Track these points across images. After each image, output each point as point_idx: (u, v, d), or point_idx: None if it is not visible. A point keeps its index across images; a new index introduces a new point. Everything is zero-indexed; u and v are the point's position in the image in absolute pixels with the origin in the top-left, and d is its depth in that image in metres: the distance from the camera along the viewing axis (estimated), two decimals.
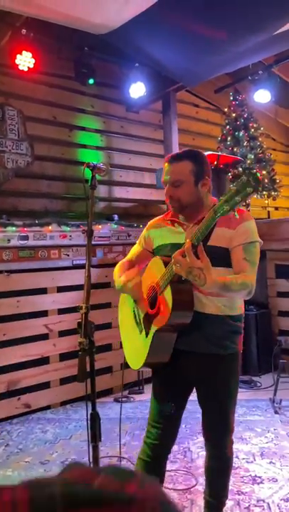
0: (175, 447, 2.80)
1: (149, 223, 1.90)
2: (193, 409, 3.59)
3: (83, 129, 4.74)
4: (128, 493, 0.29)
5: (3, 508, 0.28)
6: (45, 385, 3.59)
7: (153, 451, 1.71)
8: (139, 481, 0.31)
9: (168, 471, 2.48)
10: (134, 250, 1.95)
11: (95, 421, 1.24)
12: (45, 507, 0.28)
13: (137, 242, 1.95)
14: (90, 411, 1.28)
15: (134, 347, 1.75)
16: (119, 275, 1.81)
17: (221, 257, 1.58)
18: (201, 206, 1.67)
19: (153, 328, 1.60)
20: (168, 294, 1.52)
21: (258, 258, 1.60)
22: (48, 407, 3.60)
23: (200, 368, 1.68)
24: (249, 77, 4.81)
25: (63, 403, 3.68)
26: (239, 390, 4.22)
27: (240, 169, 1.31)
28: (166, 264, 1.56)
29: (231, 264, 1.60)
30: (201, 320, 1.57)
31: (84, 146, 4.71)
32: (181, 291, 1.53)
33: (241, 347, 1.78)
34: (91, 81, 4.33)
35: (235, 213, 1.31)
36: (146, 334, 1.67)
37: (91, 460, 1.26)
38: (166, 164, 1.66)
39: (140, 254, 1.92)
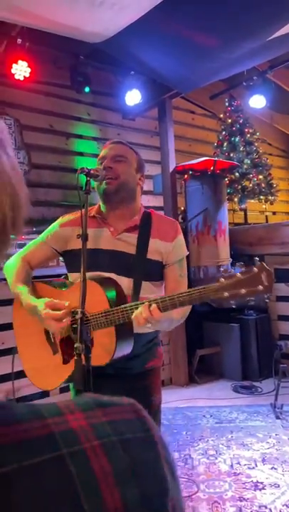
0: (176, 454, 2.78)
1: (63, 219, 1.60)
2: (192, 415, 3.57)
3: (80, 137, 4.76)
4: (126, 402, 0.41)
5: (63, 408, 0.38)
6: (45, 394, 3.56)
7: None
8: (128, 399, 0.42)
9: None
10: (33, 247, 1.63)
11: None
12: (85, 407, 0.38)
13: (41, 237, 1.63)
14: None
15: (43, 366, 1.50)
16: (24, 289, 1.52)
17: (157, 272, 1.48)
18: (134, 202, 1.54)
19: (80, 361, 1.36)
20: (110, 336, 1.33)
21: (185, 270, 1.56)
22: None
23: (127, 389, 1.49)
24: (244, 83, 4.84)
25: None
26: (240, 395, 4.22)
27: (256, 261, 1.15)
28: (103, 284, 1.36)
29: (159, 278, 1.50)
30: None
31: (81, 154, 4.72)
32: (124, 330, 1.35)
33: (162, 360, 1.64)
34: (87, 89, 4.36)
35: (234, 305, 1.17)
36: (65, 361, 1.45)
37: None
38: (109, 145, 1.56)
39: (42, 252, 1.62)
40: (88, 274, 1.34)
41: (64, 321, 1.34)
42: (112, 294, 1.36)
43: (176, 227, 1.56)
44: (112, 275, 1.43)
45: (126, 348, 1.38)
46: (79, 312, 1.20)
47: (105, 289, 1.36)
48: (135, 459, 0.35)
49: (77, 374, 1.14)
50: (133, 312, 1.27)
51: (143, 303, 1.26)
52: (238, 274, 1.15)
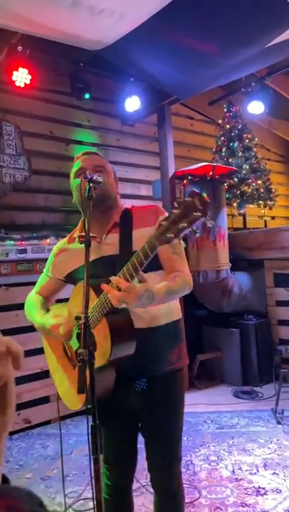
0: None
1: (54, 248, 1.70)
2: (193, 421, 3.56)
3: (80, 142, 4.79)
4: None
5: None
6: (45, 400, 3.56)
7: (114, 490, 1.60)
8: None
9: None
10: (42, 281, 1.74)
11: (95, 433, 1.23)
12: None
13: (45, 272, 1.74)
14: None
15: (69, 384, 1.53)
16: (37, 314, 1.60)
17: (150, 261, 1.43)
18: (116, 206, 1.58)
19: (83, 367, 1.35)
20: (104, 329, 1.32)
21: (182, 247, 1.52)
22: (48, 422, 3.56)
23: (144, 392, 1.49)
24: (242, 89, 4.88)
25: (63, 418, 3.64)
26: (241, 400, 4.20)
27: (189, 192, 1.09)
28: (95, 289, 1.34)
29: (160, 265, 1.49)
30: (142, 337, 1.38)
31: None
32: (119, 322, 1.32)
33: (186, 360, 1.59)
34: (87, 96, 4.39)
35: (181, 241, 1.15)
36: None
37: (92, 473, 1.25)
38: (82, 157, 1.58)
39: (49, 285, 1.71)
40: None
41: (66, 323, 1.39)
42: (99, 288, 1.34)
43: (157, 210, 1.54)
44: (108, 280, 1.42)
45: (126, 347, 1.33)
46: (82, 317, 1.21)
47: (94, 287, 1.34)
48: None
49: (81, 380, 1.14)
50: None
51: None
52: (174, 210, 1.11)
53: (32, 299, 1.71)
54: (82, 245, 1.43)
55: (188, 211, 1.08)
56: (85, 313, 1.20)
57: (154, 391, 1.50)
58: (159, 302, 1.34)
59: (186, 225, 1.09)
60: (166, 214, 1.51)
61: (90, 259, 1.42)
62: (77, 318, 1.23)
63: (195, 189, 1.10)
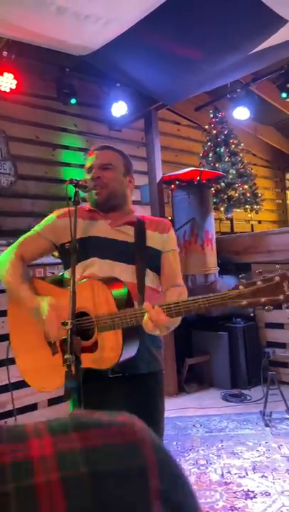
0: None
1: (60, 211, 1.58)
2: (182, 425, 3.56)
3: (66, 147, 4.78)
4: (120, 420, 0.37)
5: (29, 432, 0.35)
6: (33, 407, 3.51)
7: None
8: (128, 416, 0.38)
9: None
10: (27, 240, 1.57)
11: None
12: (59, 429, 0.36)
13: (34, 230, 1.59)
14: None
15: (41, 366, 1.47)
16: (21, 285, 1.45)
17: (156, 260, 1.51)
18: (125, 205, 1.59)
19: (82, 364, 1.29)
20: (117, 338, 1.31)
21: (178, 256, 1.63)
22: None
23: (127, 392, 1.45)
24: (228, 95, 4.93)
25: None
26: (229, 403, 4.21)
27: (277, 268, 1.09)
28: (108, 284, 1.33)
29: (160, 268, 1.54)
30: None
31: (67, 165, 4.74)
32: (132, 333, 1.34)
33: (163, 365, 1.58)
34: (73, 101, 4.38)
35: (252, 313, 1.20)
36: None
37: None
38: (94, 152, 1.57)
39: (37, 246, 1.55)
40: (92, 270, 1.40)
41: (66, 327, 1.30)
42: (119, 294, 1.34)
43: (169, 223, 1.64)
44: (112, 262, 1.45)
45: (132, 351, 1.36)
46: (69, 323, 1.20)
47: (112, 290, 1.33)
48: (107, 496, 0.30)
49: (68, 385, 1.13)
50: (144, 316, 1.26)
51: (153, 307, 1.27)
52: (259, 282, 1.13)
53: (8, 260, 1.50)
54: (95, 220, 1.52)
55: (273, 290, 1.09)
56: (72, 319, 1.20)
57: (134, 394, 1.48)
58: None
59: (265, 301, 1.10)
60: (173, 229, 1.60)
61: (99, 235, 1.49)
62: (82, 314, 1.23)
63: (287, 272, 1.11)
